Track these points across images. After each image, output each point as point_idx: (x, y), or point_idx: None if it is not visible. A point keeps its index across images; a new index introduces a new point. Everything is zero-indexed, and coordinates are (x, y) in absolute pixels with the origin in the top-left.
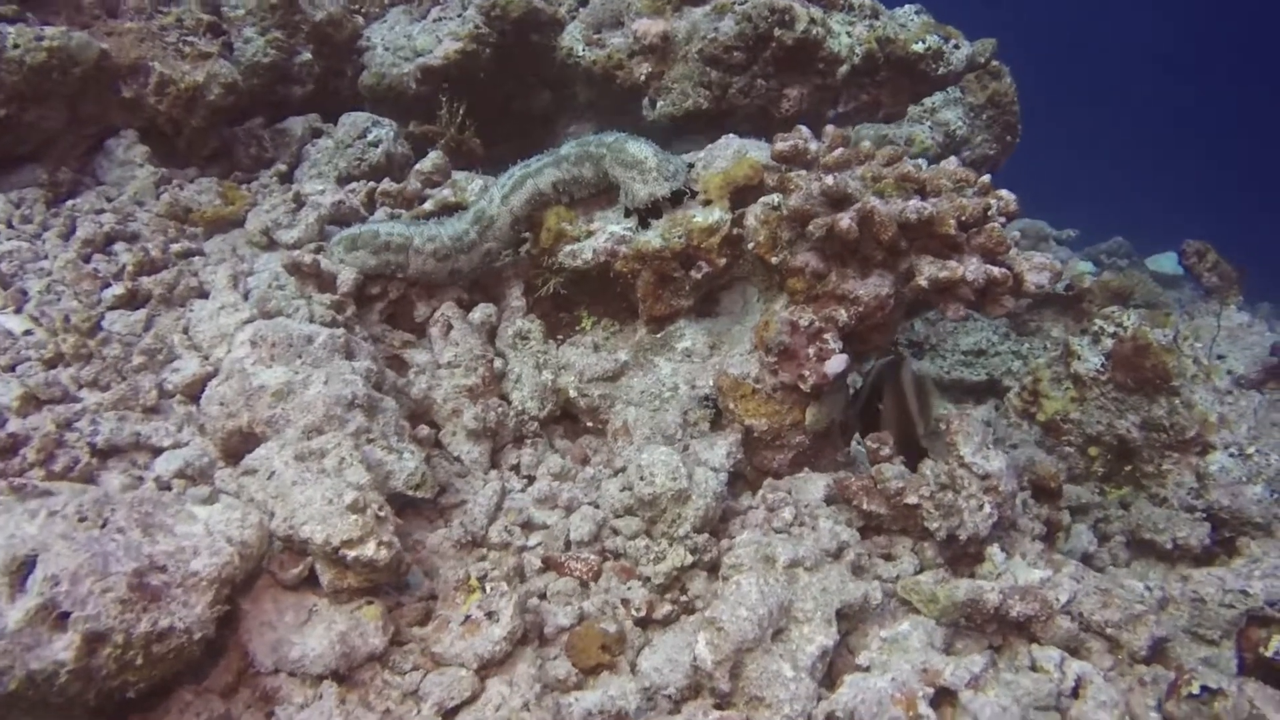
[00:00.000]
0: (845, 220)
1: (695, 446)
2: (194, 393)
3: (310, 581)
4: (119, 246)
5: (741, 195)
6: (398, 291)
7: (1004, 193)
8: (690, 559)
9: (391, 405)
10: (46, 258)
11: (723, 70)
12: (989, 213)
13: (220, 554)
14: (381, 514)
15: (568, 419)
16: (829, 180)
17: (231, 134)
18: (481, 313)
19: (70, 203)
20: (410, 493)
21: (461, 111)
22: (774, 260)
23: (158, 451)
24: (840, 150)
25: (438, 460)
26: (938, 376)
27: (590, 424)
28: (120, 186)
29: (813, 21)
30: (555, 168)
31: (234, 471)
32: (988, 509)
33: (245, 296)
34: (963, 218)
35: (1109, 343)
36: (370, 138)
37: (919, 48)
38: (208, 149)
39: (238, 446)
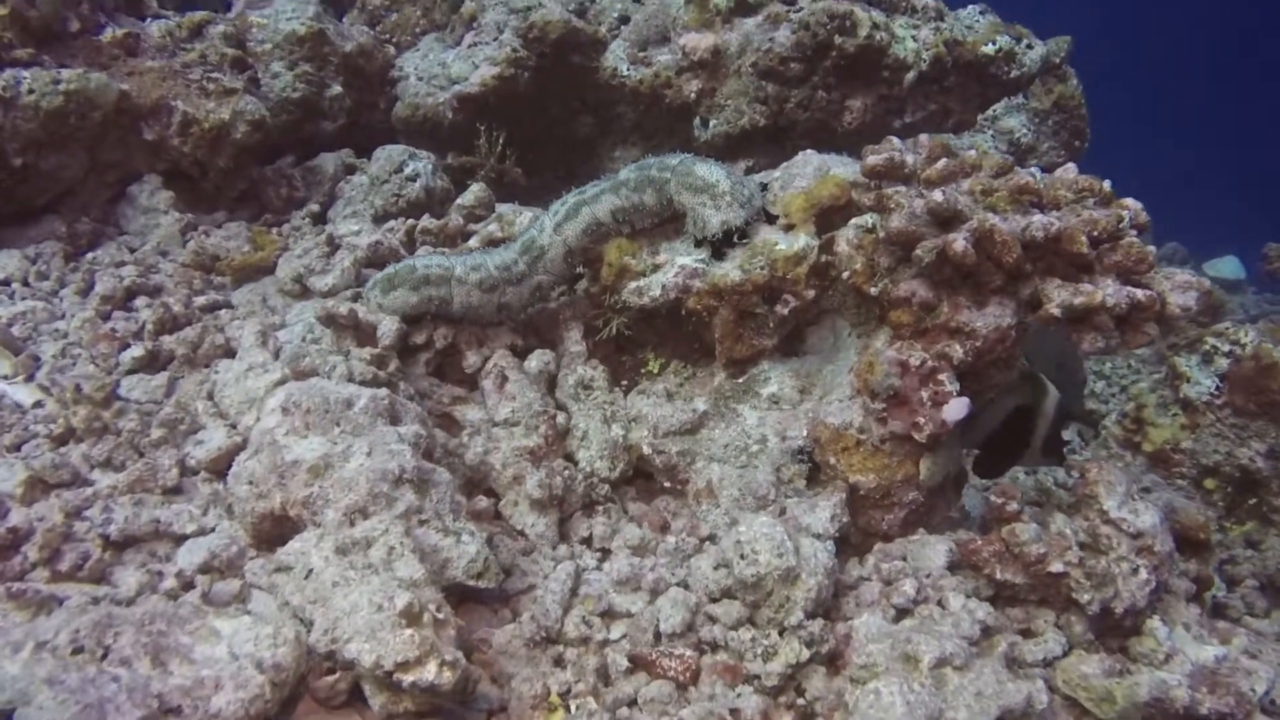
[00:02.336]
0: (960, 242)
1: (793, 509)
2: (220, 468)
3: (357, 694)
4: (140, 301)
5: (827, 218)
6: (444, 340)
7: (1130, 202)
8: (806, 653)
9: (445, 477)
10: (63, 317)
11: (779, 83)
12: (1121, 225)
13: (248, 686)
14: (441, 616)
15: (641, 477)
16: (937, 196)
17: (260, 174)
18: (539, 361)
19: (90, 255)
20: (472, 583)
21: (501, 140)
22: (873, 290)
23: (180, 540)
24: (944, 161)
25: (499, 537)
26: None
27: (667, 484)
28: (144, 235)
29: (875, 26)
30: (614, 194)
31: (266, 564)
32: (1144, 574)
33: (276, 354)
34: (1094, 232)
35: (1224, 363)
36: (407, 171)
37: (989, 50)
38: (236, 191)
39: (270, 532)
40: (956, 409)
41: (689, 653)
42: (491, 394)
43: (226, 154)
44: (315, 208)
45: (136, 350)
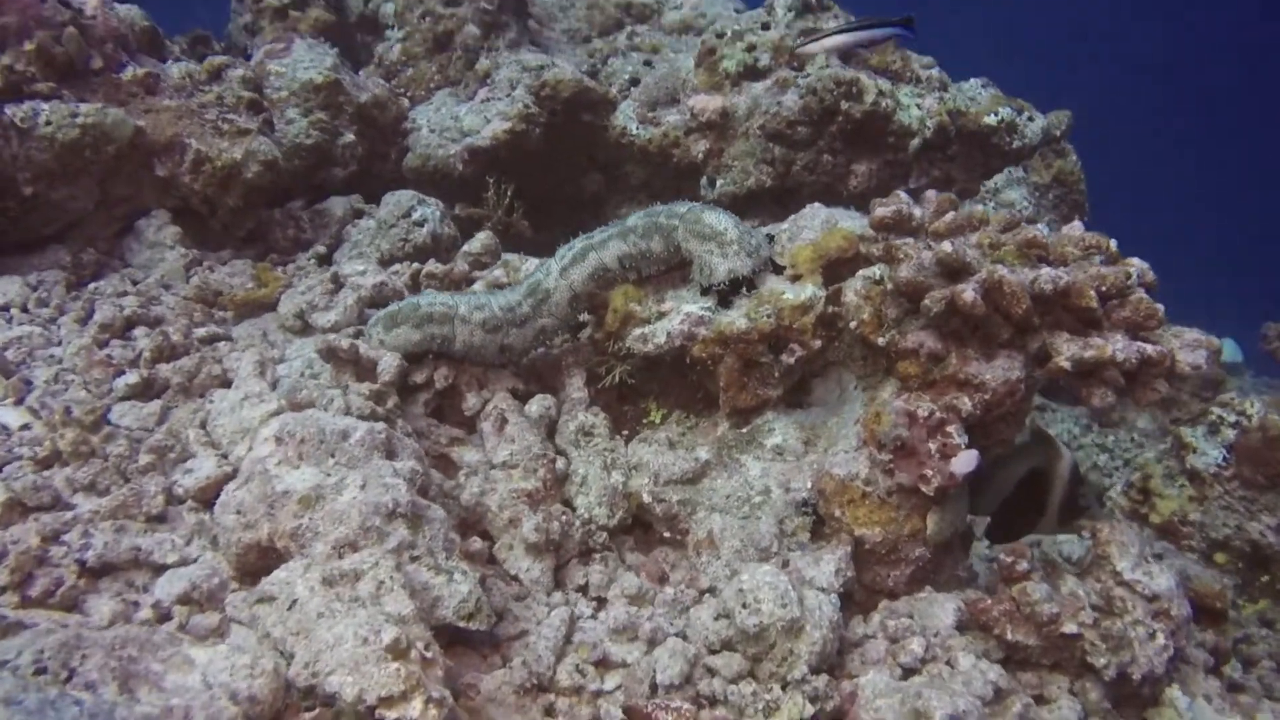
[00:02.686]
0: (969, 293)
1: (796, 562)
2: (207, 498)
3: None
4: (139, 332)
5: (834, 270)
6: (445, 380)
7: (1136, 261)
8: (810, 709)
9: (439, 515)
10: (60, 344)
11: (786, 146)
12: (1129, 282)
13: (220, 718)
14: (429, 655)
15: (639, 526)
16: (946, 247)
17: (268, 215)
18: (539, 405)
19: (92, 285)
20: (462, 624)
21: (509, 193)
22: (880, 341)
23: (160, 569)
24: (952, 215)
25: (492, 581)
26: None
27: (667, 533)
28: (148, 269)
29: (881, 93)
30: (621, 240)
31: (248, 597)
32: (1162, 639)
33: (274, 385)
34: (1102, 288)
35: (1230, 434)
36: (415, 217)
37: (992, 120)
38: (243, 230)
39: (255, 564)
40: (965, 462)
41: (686, 706)
42: (490, 436)
43: (236, 193)
44: (322, 250)
45: (131, 377)
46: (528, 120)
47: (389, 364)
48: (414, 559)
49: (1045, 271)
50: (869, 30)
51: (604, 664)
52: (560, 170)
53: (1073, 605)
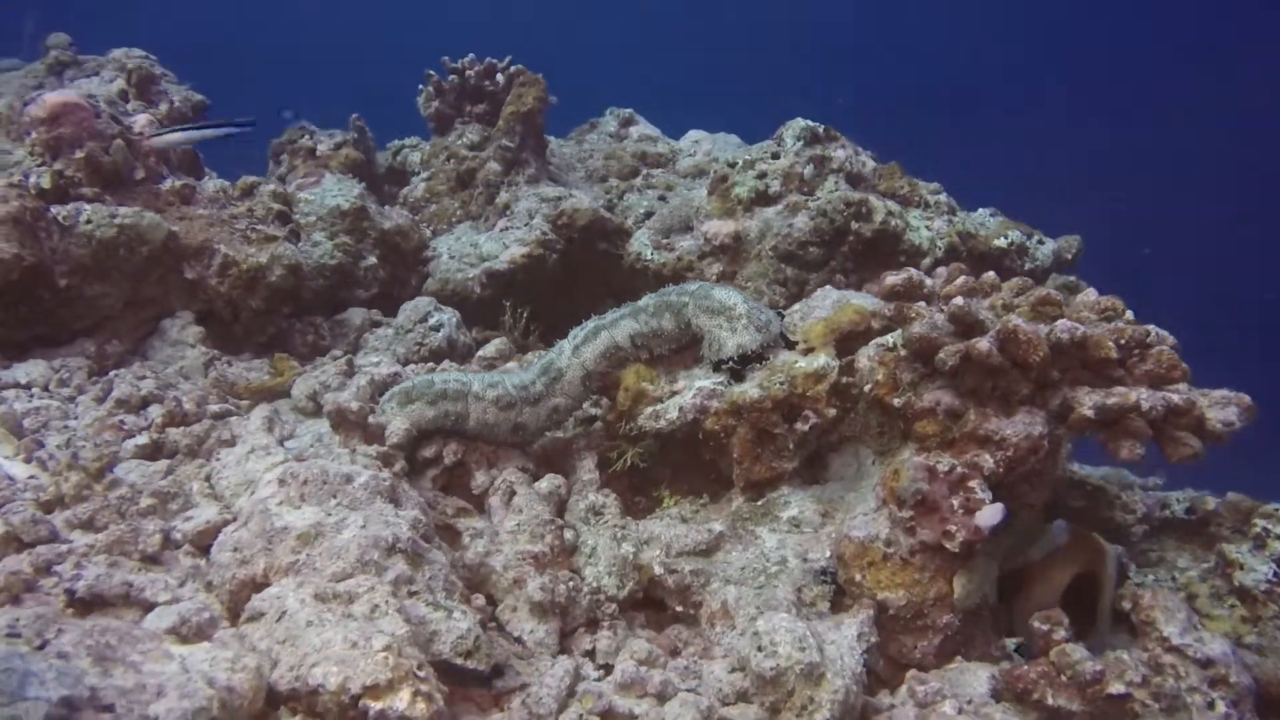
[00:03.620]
0: (984, 343)
1: (816, 626)
2: (205, 543)
3: None
4: (154, 410)
5: (847, 344)
6: (454, 456)
7: (1153, 328)
8: None
9: (441, 558)
10: (76, 418)
11: (799, 266)
12: (1149, 337)
13: (194, 697)
14: (422, 675)
15: (650, 606)
16: (959, 301)
17: (289, 324)
18: (549, 483)
19: (114, 372)
20: (460, 661)
21: (525, 316)
22: (896, 402)
23: (150, 607)
24: (963, 279)
25: (495, 638)
26: None
27: (680, 607)
28: (168, 364)
29: (890, 214)
30: (633, 319)
31: (238, 632)
32: (1223, 708)
33: (281, 442)
34: (1122, 340)
35: (1278, 546)
36: (431, 322)
37: (1001, 243)
38: (264, 336)
39: (248, 602)
40: (991, 515)
41: None
42: (498, 510)
43: (260, 295)
44: (339, 353)
45: (141, 439)
46: (544, 246)
47: (397, 428)
48: (412, 594)
49: (1062, 323)
50: (215, 129)
51: (610, 716)
52: (576, 295)
53: (1118, 667)
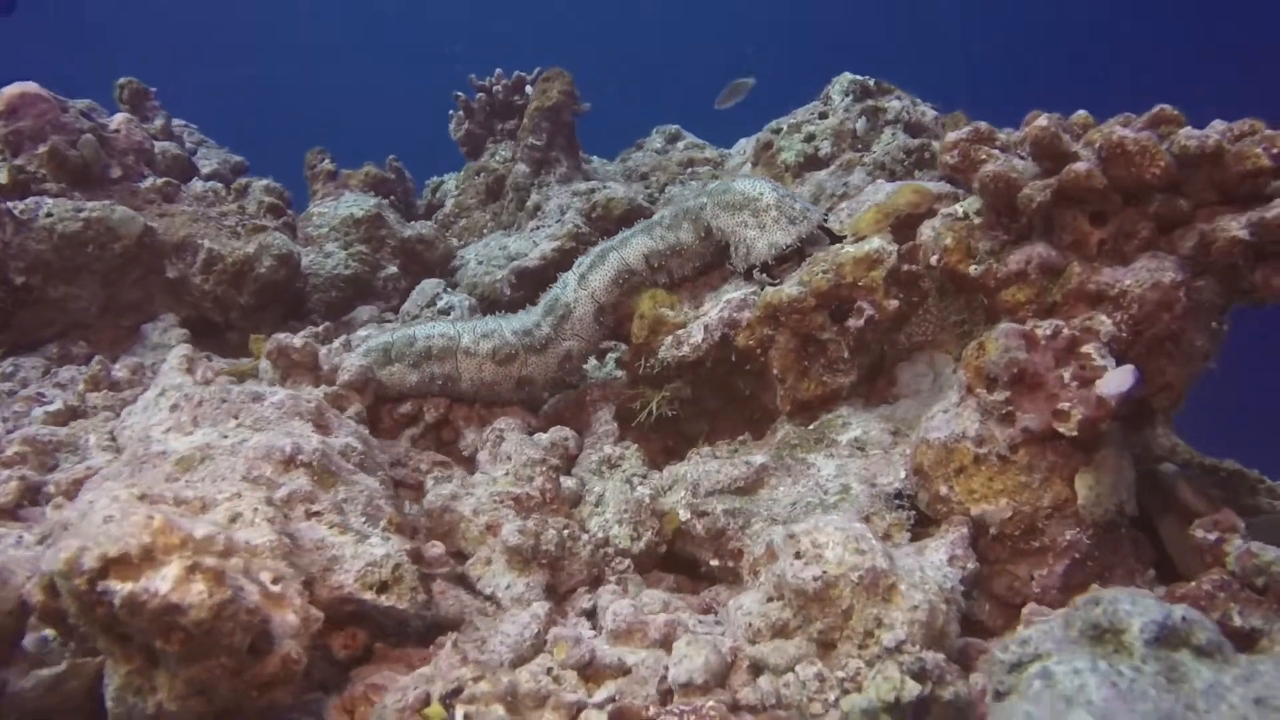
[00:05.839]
0: (1082, 164)
1: (895, 557)
2: (78, 492)
3: None
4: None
5: (905, 232)
6: (437, 412)
7: None
8: (914, 689)
9: (369, 483)
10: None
11: None
12: None
13: None
14: (215, 547)
15: (679, 568)
16: (1041, 123)
17: (290, 325)
18: (555, 434)
19: (66, 368)
20: (368, 596)
21: None
22: (973, 270)
23: None
24: (1045, 119)
25: (453, 593)
26: None
27: (714, 561)
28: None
29: None
30: (646, 235)
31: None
32: None
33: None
34: (1274, 149)
35: None
36: (440, 304)
37: None
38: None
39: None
40: (1119, 380)
41: (711, 703)
42: (485, 465)
43: (248, 289)
44: (324, 329)
45: (54, 406)
46: (577, 239)
47: (352, 363)
48: (312, 514)
49: (1187, 129)
50: None
51: (590, 669)
52: None
53: None
